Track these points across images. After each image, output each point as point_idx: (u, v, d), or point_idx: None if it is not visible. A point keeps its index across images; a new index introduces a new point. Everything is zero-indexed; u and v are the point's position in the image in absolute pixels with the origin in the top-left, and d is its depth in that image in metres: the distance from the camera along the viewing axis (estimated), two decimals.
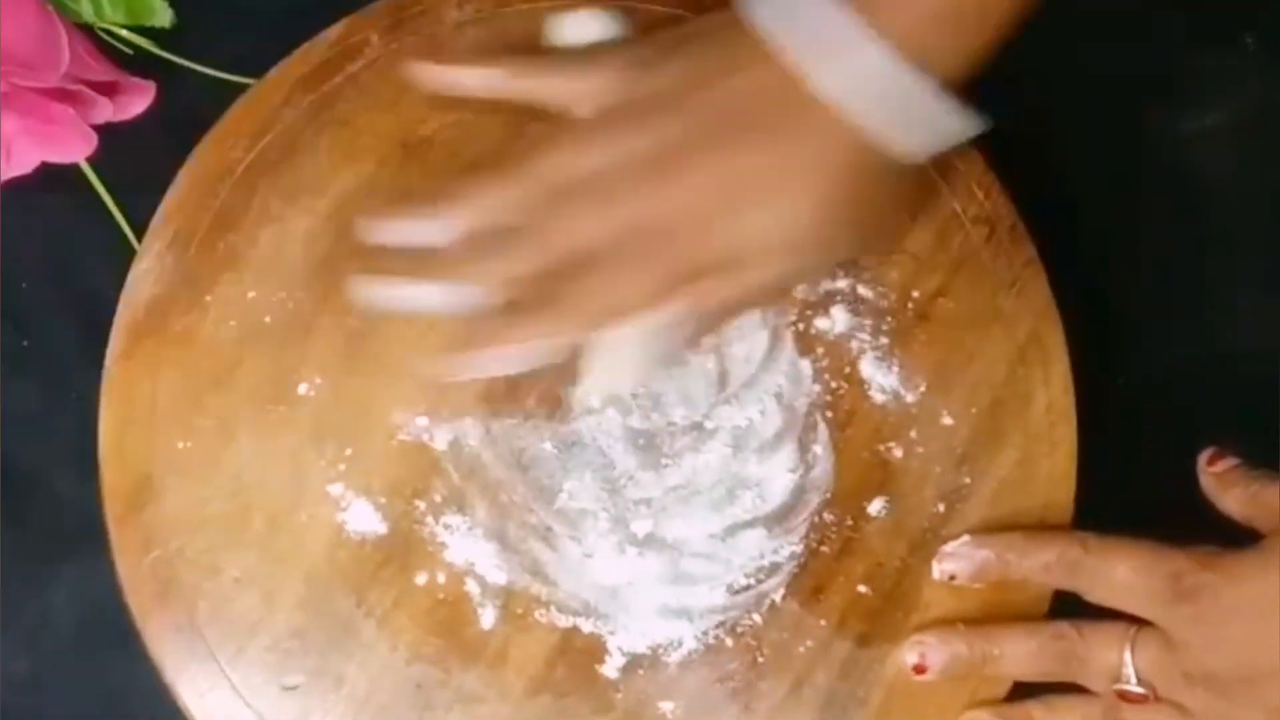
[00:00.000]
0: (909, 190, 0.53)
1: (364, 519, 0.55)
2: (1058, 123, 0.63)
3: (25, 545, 0.58)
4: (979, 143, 0.59)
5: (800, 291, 0.58)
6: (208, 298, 0.56)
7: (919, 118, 0.49)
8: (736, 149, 0.49)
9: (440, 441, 0.56)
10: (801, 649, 0.55)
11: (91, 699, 0.57)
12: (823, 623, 0.55)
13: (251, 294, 0.56)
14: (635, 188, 0.50)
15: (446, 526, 0.55)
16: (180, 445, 0.55)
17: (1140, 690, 0.52)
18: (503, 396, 0.56)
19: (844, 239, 0.52)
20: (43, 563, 0.58)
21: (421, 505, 0.55)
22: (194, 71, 0.61)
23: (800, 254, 0.51)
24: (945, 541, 0.56)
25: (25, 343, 0.60)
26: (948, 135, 0.50)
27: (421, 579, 0.55)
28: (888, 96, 0.48)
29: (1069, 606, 0.55)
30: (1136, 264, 0.62)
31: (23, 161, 0.58)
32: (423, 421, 0.56)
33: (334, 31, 0.59)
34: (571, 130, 0.52)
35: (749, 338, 0.57)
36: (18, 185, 0.59)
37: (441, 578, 0.55)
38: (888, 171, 0.50)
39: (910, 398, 0.57)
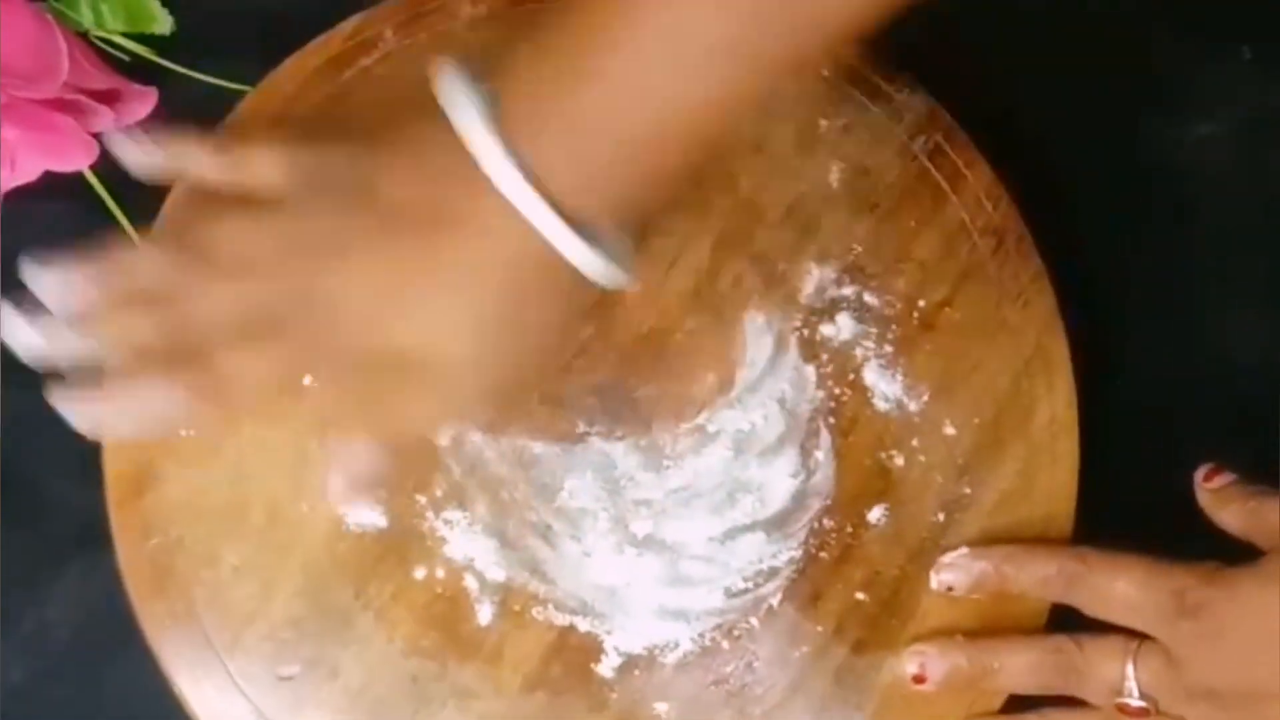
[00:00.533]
0: (580, 298, 0.49)
1: (364, 512, 0.55)
2: (1055, 134, 0.63)
3: (25, 550, 0.58)
4: (985, 154, 0.60)
5: (806, 297, 0.58)
6: None
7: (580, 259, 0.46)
8: (400, 240, 0.47)
9: (443, 437, 0.56)
10: (797, 654, 0.55)
11: (90, 706, 0.57)
12: (819, 629, 0.55)
13: None
14: (282, 267, 0.47)
15: (446, 522, 0.55)
16: (183, 433, 0.55)
17: (1141, 704, 0.52)
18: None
19: (506, 346, 0.48)
20: (42, 568, 0.58)
21: (422, 500, 0.55)
22: (194, 79, 0.61)
23: (459, 364, 0.48)
24: (944, 551, 0.56)
25: None
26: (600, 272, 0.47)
27: (420, 573, 0.55)
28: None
29: (1067, 619, 0.55)
30: (1136, 276, 0.62)
31: (26, 171, 0.58)
32: None
33: (348, 25, 0.59)
34: (244, 207, 0.48)
35: (754, 343, 0.57)
36: (22, 193, 0.59)
37: (440, 573, 0.55)
38: (560, 278, 0.47)
39: (913, 406, 0.57)
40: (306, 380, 0.55)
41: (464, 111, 0.46)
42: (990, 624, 0.55)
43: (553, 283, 0.47)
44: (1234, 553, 0.53)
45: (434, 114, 0.47)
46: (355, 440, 0.49)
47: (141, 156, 0.49)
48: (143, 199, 0.58)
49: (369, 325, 0.47)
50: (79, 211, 0.60)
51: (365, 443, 0.49)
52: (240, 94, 0.59)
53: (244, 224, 0.48)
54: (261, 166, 0.48)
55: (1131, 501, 0.57)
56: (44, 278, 0.48)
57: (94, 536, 0.55)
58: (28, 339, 0.48)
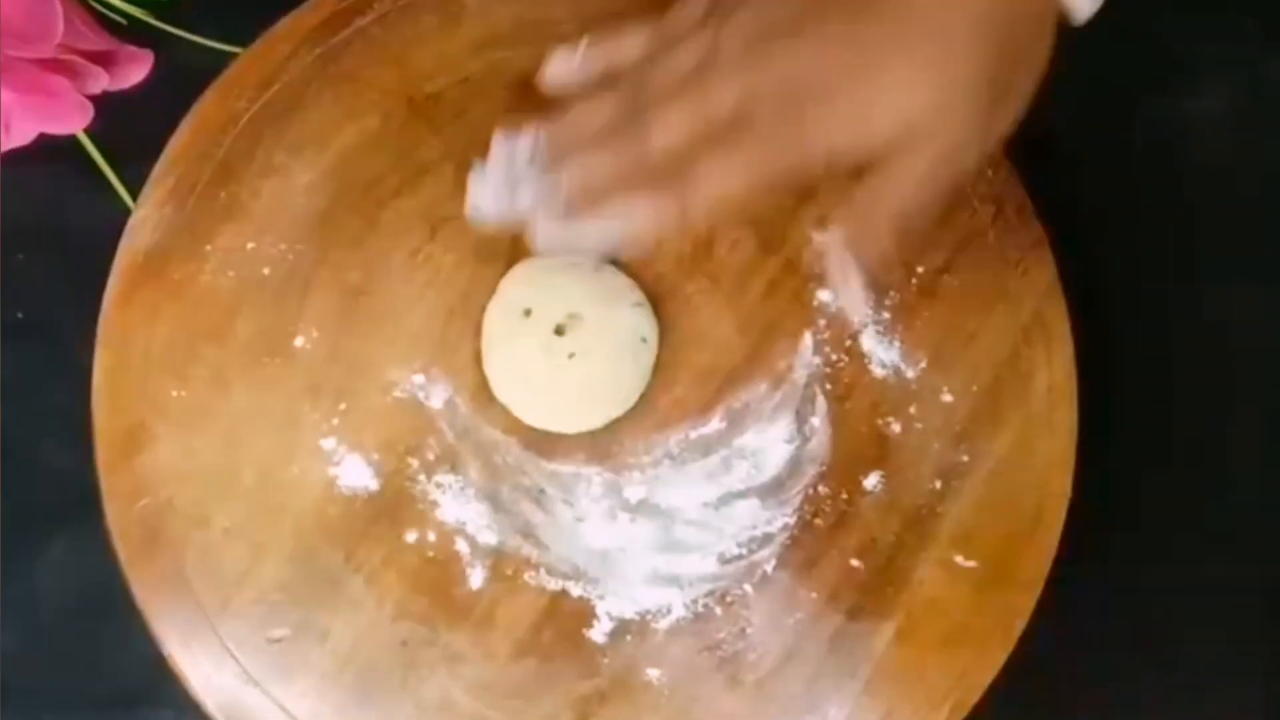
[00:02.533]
0: (1050, 40, 0.47)
1: (356, 475, 0.54)
2: (1057, 107, 0.62)
3: (17, 518, 0.57)
4: None
5: (804, 263, 0.57)
6: (207, 247, 0.56)
7: None
8: (865, 9, 0.45)
9: (436, 400, 0.55)
10: (791, 621, 0.54)
11: (82, 672, 0.57)
12: (814, 595, 0.55)
13: (251, 245, 0.56)
14: (755, 57, 0.46)
15: (439, 485, 0.55)
16: (174, 394, 0.55)
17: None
18: None
19: (994, 102, 0.46)
20: (35, 536, 0.57)
21: (414, 463, 0.55)
22: (190, 42, 0.60)
23: (949, 125, 0.45)
24: (941, 519, 0.55)
25: (20, 314, 0.59)
26: None
27: (411, 537, 0.54)
28: None
29: (1064, 599, 0.54)
30: (1137, 246, 0.62)
31: (21, 133, 0.58)
32: (419, 379, 0.55)
33: None
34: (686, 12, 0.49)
35: None
36: (15, 156, 0.58)
37: (432, 536, 0.54)
38: (1031, 19, 0.46)
39: (911, 373, 0.57)
40: (298, 342, 0.55)
41: None
42: (984, 590, 0.55)
43: (1028, 23, 0.45)
44: (1240, 528, 0.52)
45: None
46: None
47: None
48: (136, 162, 0.58)
49: (843, 113, 0.45)
50: (73, 175, 0.60)
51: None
52: (236, 56, 0.59)
53: (694, 39, 0.47)
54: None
55: (1130, 472, 0.57)
56: (507, 145, 0.50)
57: (88, 503, 0.55)
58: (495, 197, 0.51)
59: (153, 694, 0.55)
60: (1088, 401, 0.57)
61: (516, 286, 0.55)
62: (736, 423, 0.56)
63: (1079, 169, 0.62)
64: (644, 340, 0.55)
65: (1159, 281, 0.62)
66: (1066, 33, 0.53)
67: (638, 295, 0.56)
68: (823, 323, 0.57)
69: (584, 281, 0.55)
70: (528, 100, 0.57)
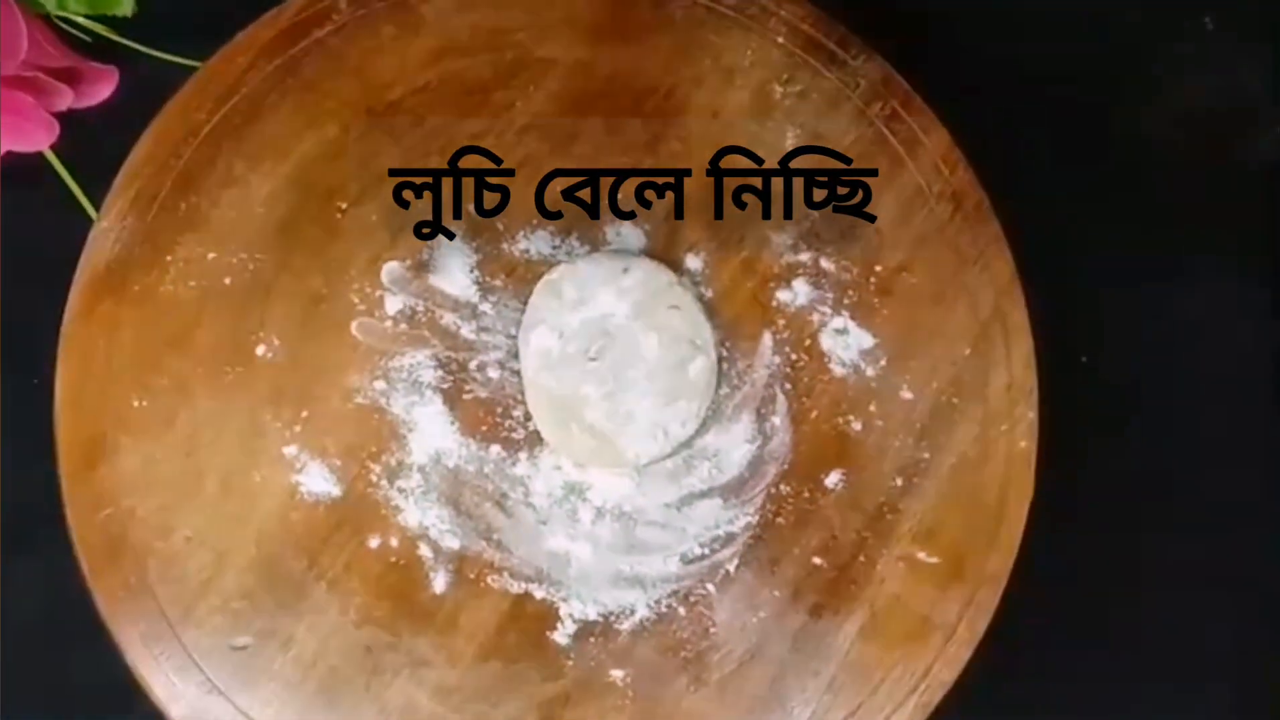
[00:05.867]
0: None
1: (318, 481, 0.55)
2: (1022, 106, 0.63)
3: None
4: (945, 122, 0.59)
5: (762, 263, 0.57)
6: (168, 258, 0.56)
7: None
8: None
9: (397, 406, 0.55)
10: (754, 620, 0.54)
11: (50, 682, 0.57)
12: (776, 594, 0.55)
13: (212, 255, 0.56)
14: None
15: (400, 490, 0.55)
16: (136, 404, 0.55)
17: None
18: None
19: None
20: (4, 555, 0.57)
21: (376, 469, 0.55)
22: (154, 58, 0.60)
23: None
24: (902, 516, 0.55)
25: None
26: None
27: (374, 542, 0.54)
28: None
29: (1031, 580, 0.54)
30: (1100, 245, 0.62)
31: None
32: (380, 386, 0.55)
33: None
34: None
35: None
36: None
37: (394, 541, 0.54)
38: None
39: (870, 371, 0.57)
40: (260, 350, 0.56)
41: None
42: (948, 586, 0.55)
43: None
44: (1204, 522, 0.52)
45: None
46: None
47: None
48: (102, 178, 0.58)
49: None
50: (40, 191, 0.60)
51: None
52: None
53: None
54: None
55: (1097, 477, 0.57)
56: None
57: (54, 515, 0.55)
58: None
59: (120, 704, 0.55)
60: (1050, 396, 0.57)
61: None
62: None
63: (1044, 168, 0.63)
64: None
65: (1122, 277, 0.62)
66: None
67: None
68: (782, 322, 0.57)
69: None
70: (485, 108, 0.58)
